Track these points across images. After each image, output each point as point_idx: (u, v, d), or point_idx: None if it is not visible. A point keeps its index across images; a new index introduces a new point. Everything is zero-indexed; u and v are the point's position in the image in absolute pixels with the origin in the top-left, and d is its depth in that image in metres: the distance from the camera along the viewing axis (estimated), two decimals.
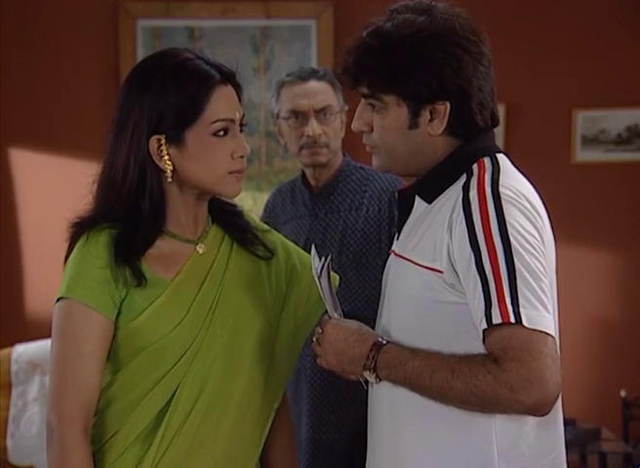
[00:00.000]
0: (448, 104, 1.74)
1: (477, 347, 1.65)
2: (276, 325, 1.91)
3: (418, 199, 1.82)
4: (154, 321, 1.75)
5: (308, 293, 1.95)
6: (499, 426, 1.69)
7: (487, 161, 1.75)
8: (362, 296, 2.62)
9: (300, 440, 2.65)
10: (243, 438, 1.85)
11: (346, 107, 2.73)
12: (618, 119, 4.43)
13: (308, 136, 2.64)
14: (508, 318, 1.58)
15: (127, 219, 1.76)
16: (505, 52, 4.37)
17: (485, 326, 1.61)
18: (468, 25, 1.77)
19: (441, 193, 1.76)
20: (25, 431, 3.99)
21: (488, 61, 1.78)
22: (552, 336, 1.60)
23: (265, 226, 2.00)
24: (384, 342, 1.72)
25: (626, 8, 4.40)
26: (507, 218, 1.64)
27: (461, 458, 1.71)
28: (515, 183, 1.71)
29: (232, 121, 1.79)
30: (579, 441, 3.97)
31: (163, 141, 1.75)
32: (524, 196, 1.69)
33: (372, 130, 1.80)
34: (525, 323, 1.58)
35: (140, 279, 1.75)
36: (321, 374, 2.63)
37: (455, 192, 1.73)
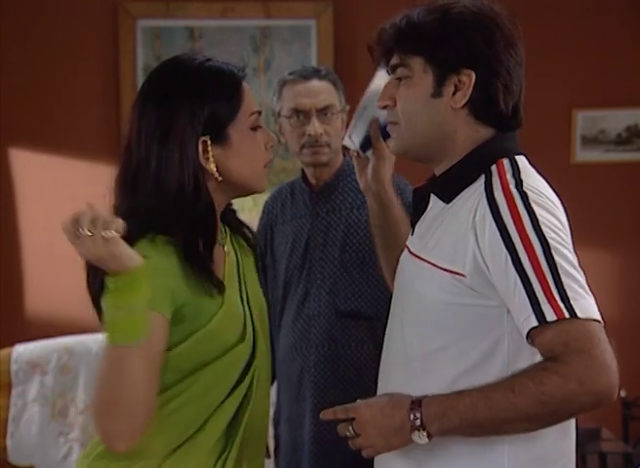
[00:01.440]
0: (473, 75, 1.74)
1: (491, 350, 1.66)
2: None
3: (433, 197, 1.82)
4: (225, 324, 1.77)
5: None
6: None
7: (506, 162, 1.75)
8: (366, 294, 2.62)
9: (302, 439, 2.66)
10: (265, 429, 1.94)
11: (348, 107, 2.73)
12: (617, 119, 4.43)
13: (310, 135, 2.63)
14: (562, 313, 1.58)
15: (183, 229, 1.75)
16: None
17: (535, 323, 1.59)
18: (508, 17, 1.79)
19: (459, 193, 1.77)
20: (25, 431, 3.99)
21: (520, 56, 1.79)
22: (601, 322, 1.61)
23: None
24: (422, 397, 1.67)
25: (626, 8, 4.40)
26: (539, 217, 1.64)
27: (471, 457, 1.71)
28: (534, 183, 1.72)
29: (259, 113, 1.85)
30: (578, 441, 3.95)
31: (209, 142, 1.77)
32: (544, 194, 1.70)
33: (395, 104, 1.81)
34: (579, 314, 1.58)
35: (219, 286, 1.75)
36: (324, 374, 2.63)
37: (475, 193, 1.72)
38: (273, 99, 2.75)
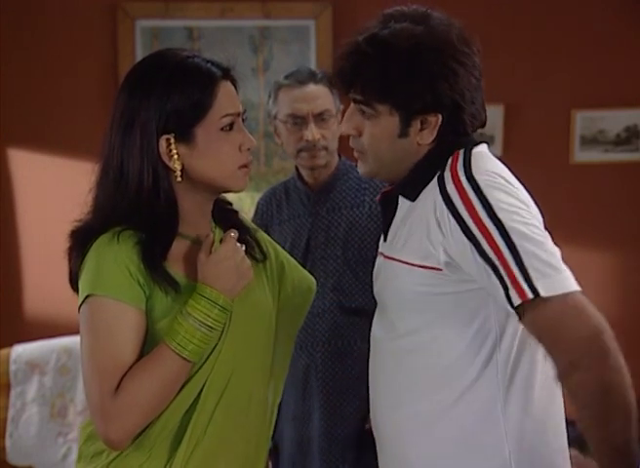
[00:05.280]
0: (440, 117, 1.75)
1: (479, 332, 1.69)
2: (275, 321, 1.92)
3: (401, 199, 1.83)
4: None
5: (298, 283, 2.00)
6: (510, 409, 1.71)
7: (461, 152, 1.77)
8: (370, 291, 2.63)
9: (311, 436, 2.67)
10: (258, 433, 1.89)
11: (342, 107, 2.74)
12: (616, 119, 4.43)
13: (307, 140, 2.65)
14: (525, 295, 1.60)
15: (143, 224, 1.75)
16: (505, 52, 4.37)
17: (510, 309, 1.63)
18: (463, 37, 1.78)
19: (422, 190, 1.78)
20: (24, 431, 3.99)
21: (479, 73, 1.81)
22: (573, 291, 1.62)
23: (254, 226, 2.01)
24: None
25: (625, 8, 4.40)
26: (490, 200, 1.65)
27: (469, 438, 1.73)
28: (485, 165, 1.73)
29: (238, 115, 1.81)
30: (578, 441, 3.96)
31: (172, 141, 1.75)
32: (496, 174, 1.70)
33: (361, 134, 1.81)
34: (542, 293, 1.59)
35: (175, 286, 1.74)
36: (332, 371, 2.65)
37: (433, 188, 1.74)
38: (269, 102, 2.76)
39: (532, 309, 1.61)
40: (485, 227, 1.64)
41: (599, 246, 4.45)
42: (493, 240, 1.63)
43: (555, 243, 1.68)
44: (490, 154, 1.81)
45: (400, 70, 1.73)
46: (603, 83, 4.42)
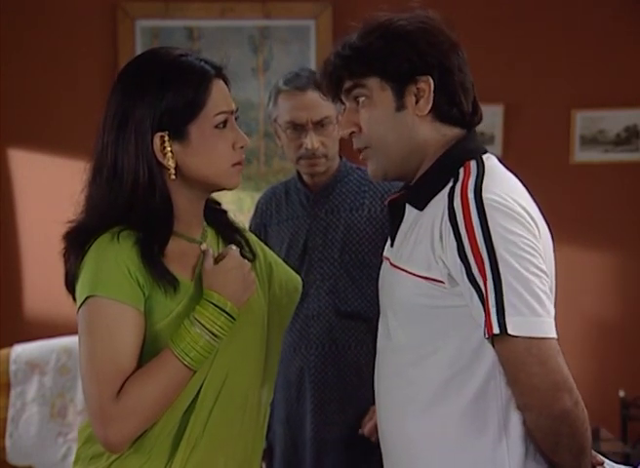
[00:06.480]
0: (431, 80, 1.76)
1: (480, 346, 1.67)
2: (267, 320, 1.93)
3: (408, 207, 1.82)
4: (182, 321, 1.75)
5: (285, 284, 2.00)
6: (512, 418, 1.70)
7: (473, 164, 1.75)
8: (367, 295, 2.62)
9: (304, 439, 2.66)
10: (254, 433, 1.88)
11: (342, 108, 2.72)
12: (616, 119, 4.43)
13: (307, 148, 2.64)
14: (492, 329, 1.61)
15: (140, 223, 1.75)
16: (505, 52, 4.37)
17: (487, 335, 1.64)
18: (444, 23, 1.81)
19: (431, 199, 1.76)
20: (24, 431, 3.99)
21: (465, 57, 1.81)
22: (544, 337, 1.61)
23: (242, 226, 2.02)
24: None
25: (625, 8, 4.41)
26: (491, 225, 1.63)
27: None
28: (500, 186, 1.70)
29: (231, 113, 1.81)
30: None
31: (166, 138, 1.75)
32: (510, 198, 1.67)
33: (360, 129, 1.81)
34: (510, 331, 1.60)
35: (174, 283, 1.74)
36: (325, 374, 2.64)
37: (442, 199, 1.72)
38: (269, 105, 2.75)
39: (499, 342, 1.63)
40: (478, 251, 1.62)
41: (599, 246, 4.45)
42: (482, 265, 1.62)
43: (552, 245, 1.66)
44: (503, 167, 1.79)
45: (380, 39, 1.77)
46: (603, 83, 4.43)
